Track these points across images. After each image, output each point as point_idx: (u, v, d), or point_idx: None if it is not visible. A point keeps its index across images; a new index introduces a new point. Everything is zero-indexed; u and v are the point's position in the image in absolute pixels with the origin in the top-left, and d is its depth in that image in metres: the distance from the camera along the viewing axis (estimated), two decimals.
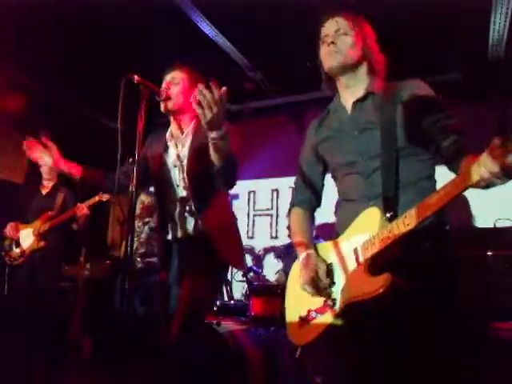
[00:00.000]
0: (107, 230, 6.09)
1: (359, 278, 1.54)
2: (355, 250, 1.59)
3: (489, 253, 3.29)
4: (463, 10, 3.25)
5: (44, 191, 4.20)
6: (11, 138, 5.14)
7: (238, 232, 2.50)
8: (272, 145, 5.47)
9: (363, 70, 1.77)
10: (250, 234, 5.58)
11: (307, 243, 1.82)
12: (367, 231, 1.55)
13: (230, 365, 3.05)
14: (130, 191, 1.86)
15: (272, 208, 5.57)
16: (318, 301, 1.70)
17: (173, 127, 2.44)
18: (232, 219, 2.48)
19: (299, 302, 1.82)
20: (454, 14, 3.37)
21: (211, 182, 2.19)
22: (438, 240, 1.57)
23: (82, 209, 3.86)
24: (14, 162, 5.13)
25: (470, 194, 4.31)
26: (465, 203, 4.34)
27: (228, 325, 3.37)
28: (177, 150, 2.39)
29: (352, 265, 1.59)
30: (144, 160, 2.38)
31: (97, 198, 3.89)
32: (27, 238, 3.96)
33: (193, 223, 2.32)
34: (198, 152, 2.30)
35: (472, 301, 3.10)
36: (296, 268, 1.87)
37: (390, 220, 1.50)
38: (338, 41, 1.77)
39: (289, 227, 2.00)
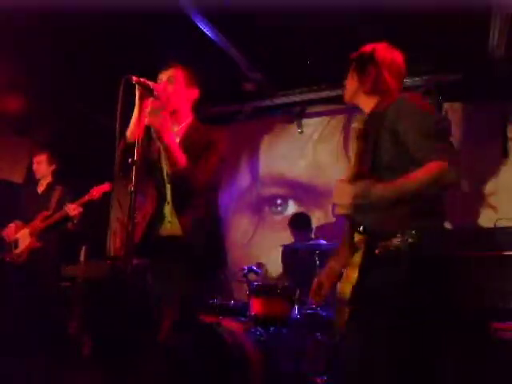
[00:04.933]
0: (107, 228, 6.08)
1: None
2: None
3: (489, 253, 3.29)
4: (463, 9, 3.25)
5: (40, 190, 4.20)
6: (11, 138, 5.14)
7: (217, 234, 2.45)
8: (272, 145, 5.47)
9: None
10: None
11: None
12: None
13: (230, 365, 3.05)
14: (129, 192, 1.87)
15: None
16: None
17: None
18: (210, 221, 2.38)
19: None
20: (454, 13, 3.36)
21: (193, 185, 2.23)
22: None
23: (74, 209, 3.86)
24: (14, 162, 5.13)
25: (470, 194, 4.32)
26: (465, 203, 4.34)
27: (228, 325, 3.36)
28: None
29: None
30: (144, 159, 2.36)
31: (86, 197, 3.89)
32: (25, 238, 3.96)
33: (174, 223, 2.32)
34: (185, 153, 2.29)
35: (472, 301, 3.09)
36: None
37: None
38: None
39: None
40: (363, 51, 2.01)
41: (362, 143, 1.79)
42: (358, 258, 1.75)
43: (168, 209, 2.36)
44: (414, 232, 1.65)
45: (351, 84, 2.01)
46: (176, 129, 2.40)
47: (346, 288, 1.76)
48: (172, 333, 2.19)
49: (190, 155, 2.25)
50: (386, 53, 1.97)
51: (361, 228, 1.76)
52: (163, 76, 2.39)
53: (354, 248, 1.80)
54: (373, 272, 1.71)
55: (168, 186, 2.37)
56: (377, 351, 1.64)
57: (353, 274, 1.74)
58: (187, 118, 2.45)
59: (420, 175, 1.57)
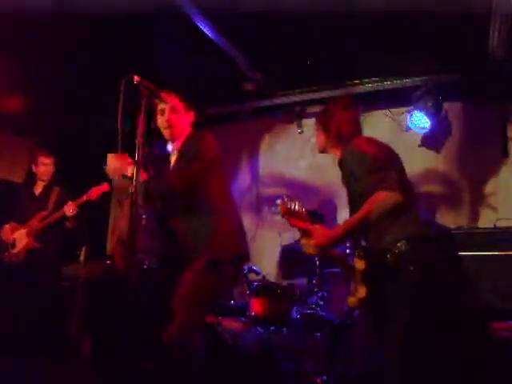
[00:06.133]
0: (107, 228, 6.08)
1: None
2: None
3: (489, 253, 3.29)
4: (463, 9, 3.25)
5: (37, 191, 4.19)
6: (11, 138, 5.14)
7: (223, 226, 2.52)
8: (272, 145, 5.47)
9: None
10: None
11: None
12: None
13: (230, 365, 3.06)
14: (130, 192, 1.87)
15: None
16: None
17: (173, 144, 2.67)
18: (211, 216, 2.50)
19: None
20: (454, 13, 3.36)
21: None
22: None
23: (72, 209, 3.85)
24: (14, 162, 5.13)
25: (470, 194, 4.32)
26: (465, 203, 4.34)
27: (228, 325, 3.37)
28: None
29: None
30: None
31: (84, 198, 3.89)
32: (22, 238, 3.96)
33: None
34: (178, 165, 2.53)
35: (472, 301, 3.09)
36: None
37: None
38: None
39: None
40: (324, 112, 2.49)
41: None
42: (360, 274, 2.15)
43: None
44: (408, 240, 2.04)
45: (320, 139, 2.47)
46: (175, 145, 2.62)
47: (353, 301, 2.17)
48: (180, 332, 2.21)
49: (182, 160, 2.49)
50: (341, 109, 2.42)
51: (361, 251, 2.18)
52: (165, 105, 2.54)
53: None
54: (380, 280, 2.07)
55: None
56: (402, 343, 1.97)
57: (359, 289, 2.13)
58: (186, 133, 2.64)
59: (367, 207, 2.02)
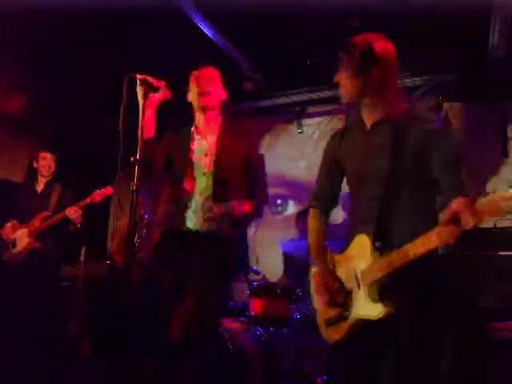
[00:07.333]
0: (107, 228, 6.08)
1: (363, 301, 1.69)
2: (356, 276, 1.73)
3: (488, 253, 3.29)
4: (463, 9, 3.25)
5: (39, 188, 4.16)
6: (11, 137, 5.14)
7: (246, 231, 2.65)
8: (272, 145, 5.47)
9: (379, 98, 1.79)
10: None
11: (319, 253, 1.97)
12: (362, 258, 1.71)
13: (230, 365, 3.05)
14: (131, 191, 1.87)
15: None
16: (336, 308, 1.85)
17: (200, 122, 2.53)
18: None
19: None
20: (454, 13, 3.37)
21: (234, 178, 2.40)
22: (428, 262, 1.61)
23: (74, 212, 3.83)
24: (13, 162, 5.12)
25: (470, 194, 4.32)
26: None
27: (228, 325, 3.36)
28: (205, 143, 2.49)
29: (356, 287, 1.74)
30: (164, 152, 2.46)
31: (88, 200, 3.87)
32: (23, 238, 3.94)
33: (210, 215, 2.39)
34: (226, 149, 2.46)
35: (471, 301, 3.09)
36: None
37: (380, 249, 1.66)
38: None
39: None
40: (360, 46, 1.71)
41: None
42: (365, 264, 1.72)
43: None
44: None
45: (352, 84, 1.76)
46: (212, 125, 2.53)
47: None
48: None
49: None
50: (385, 48, 1.73)
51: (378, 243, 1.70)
52: (205, 73, 2.59)
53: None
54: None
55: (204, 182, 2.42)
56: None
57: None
58: (219, 116, 2.57)
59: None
